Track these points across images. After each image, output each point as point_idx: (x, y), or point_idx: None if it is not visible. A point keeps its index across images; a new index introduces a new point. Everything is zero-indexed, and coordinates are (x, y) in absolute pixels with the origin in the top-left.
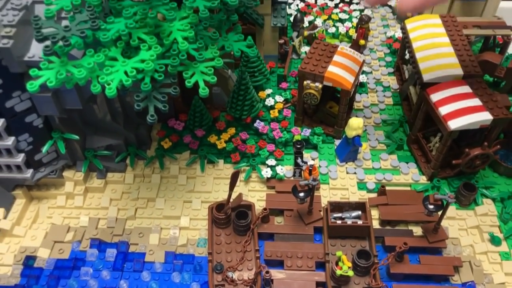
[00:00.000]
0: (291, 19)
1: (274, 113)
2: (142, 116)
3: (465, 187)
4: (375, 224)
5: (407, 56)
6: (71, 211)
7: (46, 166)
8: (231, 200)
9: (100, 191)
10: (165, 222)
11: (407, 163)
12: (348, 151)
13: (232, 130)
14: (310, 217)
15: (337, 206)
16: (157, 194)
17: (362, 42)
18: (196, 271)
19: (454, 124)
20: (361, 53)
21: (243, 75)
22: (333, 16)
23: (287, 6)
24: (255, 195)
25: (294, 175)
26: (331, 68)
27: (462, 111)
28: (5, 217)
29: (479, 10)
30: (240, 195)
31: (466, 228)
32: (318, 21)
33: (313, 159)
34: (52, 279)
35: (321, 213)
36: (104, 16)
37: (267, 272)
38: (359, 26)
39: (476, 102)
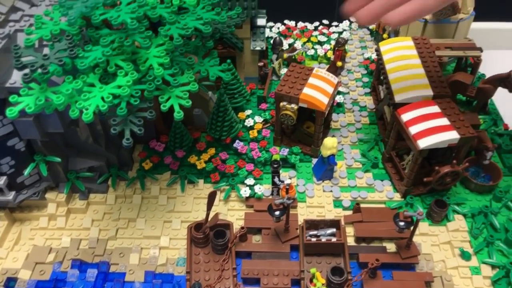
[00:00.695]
0: (272, 41)
1: (253, 133)
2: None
3: (436, 204)
4: (351, 241)
5: (382, 77)
6: (53, 232)
7: (29, 188)
8: (209, 219)
9: (82, 212)
10: (146, 242)
11: (381, 180)
12: (324, 169)
13: (212, 151)
14: (287, 235)
15: (313, 224)
16: (138, 214)
17: (339, 63)
18: None
19: (423, 143)
20: (339, 74)
21: (221, 97)
22: (312, 39)
23: (268, 29)
24: (235, 214)
25: (272, 194)
26: (306, 90)
27: (431, 131)
28: None
29: (452, 32)
30: (216, 215)
31: (439, 244)
32: (298, 44)
33: (290, 178)
34: None
35: (298, 231)
36: (84, 43)
37: None
38: (336, 48)
39: (444, 121)
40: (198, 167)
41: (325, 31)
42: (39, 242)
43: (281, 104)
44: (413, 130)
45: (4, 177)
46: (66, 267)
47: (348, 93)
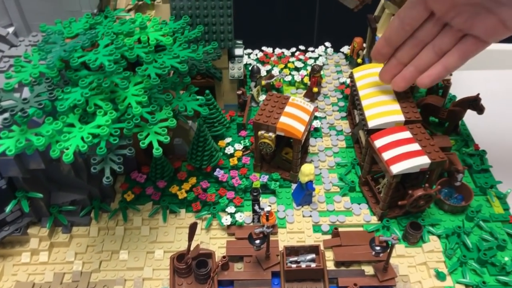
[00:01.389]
0: (250, 69)
1: (233, 161)
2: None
3: (411, 226)
4: (330, 265)
5: (356, 103)
6: (36, 267)
7: (11, 224)
8: (191, 249)
9: (65, 245)
10: (129, 274)
11: (359, 204)
12: (303, 195)
13: (193, 180)
14: (268, 262)
15: (293, 250)
16: (121, 246)
17: (315, 89)
18: None
19: (396, 169)
20: (315, 99)
21: (200, 128)
22: (290, 65)
23: (247, 56)
24: (216, 242)
25: (253, 221)
26: (283, 119)
27: (403, 156)
28: None
29: None
30: (197, 246)
31: (415, 265)
32: (275, 70)
33: (270, 205)
34: None
35: (279, 257)
36: (64, 83)
37: None
38: (311, 75)
39: (416, 147)
40: (180, 197)
41: (301, 56)
42: (22, 278)
43: (259, 132)
44: (386, 156)
45: None
46: None
47: (325, 117)
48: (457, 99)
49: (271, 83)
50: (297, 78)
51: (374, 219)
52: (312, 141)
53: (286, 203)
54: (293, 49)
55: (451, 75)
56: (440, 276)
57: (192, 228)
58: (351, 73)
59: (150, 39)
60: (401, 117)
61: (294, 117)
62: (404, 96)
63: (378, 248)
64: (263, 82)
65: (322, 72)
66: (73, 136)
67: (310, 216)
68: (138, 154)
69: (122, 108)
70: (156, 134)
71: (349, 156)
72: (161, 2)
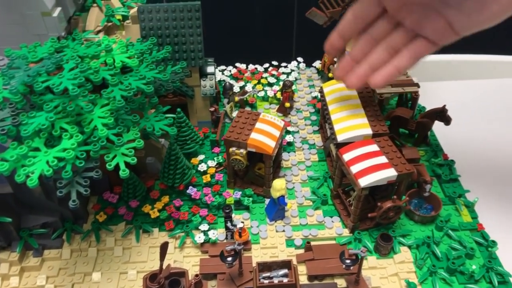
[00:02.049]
0: (223, 85)
1: (206, 178)
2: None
3: (382, 238)
4: (304, 280)
5: (326, 117)
6: None
7: None
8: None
9: (37, 269)
10: None
11: (331, 217)
12: (276, 210)
13: (165, 198)
14: (241, 279)
15: (265, 266)
16: (93, 267)
17: (287, 104)
18: None
19: (363, 182)
20: (288, 114)
21: (172, 146)
22: (263, 81)
23: (221, 73)
24: (190, 260)
25: (226, 238)
26: (253, 135)
27: (371, 169)
28: None
29: None
30: (168, 265)
31: (387, 277)
32: (249, 86)
33: (242, 221)
34: None
35: (252, 274)
36: (30, 107)
37: None
38: (283, 90)
39: (383, 159)
40: (152, 216)
41: (274, 72)
42: None
43: (231, 149)
44: (354, 169)
45: None
46: None
47: (297, 132)
48: (426, 111)
49: (245, 99)
50: (270, 93)
51: (346, 232)
52: (285, 155)
53: (260, 218)
54: (266, 65)
55: (419, 87)
56: (411, 286)
57: (163, 248)
58: (321, 87)
59: (116, 61)
60: (369, 131)
61: (264, 133)
62: (372, 110)
63: (348, 261)
64: (236, 98)
65: (294, 87)
66: (39, 160)
67: (283, 231)
68: (110, 174)
69: (88, 130)
70: (123, 156)
71: (321, 169)
72: (130, 22)
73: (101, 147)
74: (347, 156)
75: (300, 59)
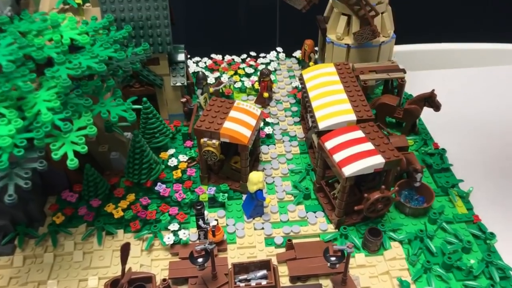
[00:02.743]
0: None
1: (177, 174)
2: (32, 191)
3: (370, 233)
4: (286, 281)
5: (306, 105)
6: None
7: None
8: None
9: None
10: None
11: (314, 212)
12: (254, 206)
13: (131, 197)
14: (215, 282)
15: (242, 267)
16: (49, 275)
17: (266, 94)
18: None
19: (348, 171)
20: (267, 105)
21: (136, 138)
22: (240, 71)
23: (195, 64)
24: (159, 264)
25: (199, 238)
26: (227, 124)
27: (355, 157)
28: None
29: (375, 56)
30: (129, 269)
31: (377, 275)
32: (224, 77)
33: (216, 219)
34: None
35: (227, 276)
36: None
37: None
38: (261, 80)
39: (369, 146)
40: (116, 216)
41: (252, 62)
42: None
43: (202, 140)
44: (337, 157)
45: None
46: None
47: (277, 123)
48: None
49: (220, 90)
50: (247, 84)
51: (331, 228)
52: (264, 148)
53: (237, 216)
54: (244, 56)
55: (405, 72)
56: (403, 285)
57: (124, 250)
58: (301, 74)
59: (64, 38)
60: (352, 117)
61: (239, 122)
62: (355, 95)
63: (333, 258)
64: (211, 89)
65: (274, 78)
66: None
67: (262, 228)
68: (69, 170)
69: (30, 115)
70: (72, 144)
71: (303, 162)
72: (90, 5)
73: (46, 135)
74: (329, 144)
75: (279, 49)
